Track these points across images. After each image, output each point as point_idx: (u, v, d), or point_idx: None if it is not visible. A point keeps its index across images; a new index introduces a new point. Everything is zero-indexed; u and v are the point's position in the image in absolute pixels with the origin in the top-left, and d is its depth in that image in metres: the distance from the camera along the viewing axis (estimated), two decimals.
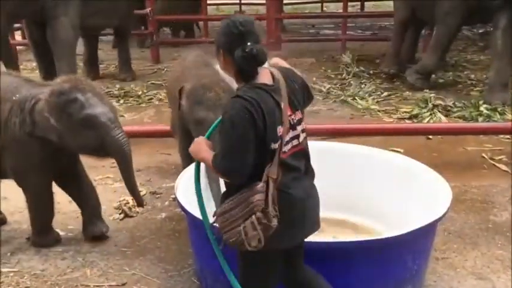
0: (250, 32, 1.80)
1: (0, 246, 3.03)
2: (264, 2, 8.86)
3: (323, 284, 2.05)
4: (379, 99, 6.01)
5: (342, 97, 6.03)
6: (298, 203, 1.84)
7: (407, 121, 5.25)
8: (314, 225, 1.94)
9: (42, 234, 3.05)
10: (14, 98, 2.86)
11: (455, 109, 5.45)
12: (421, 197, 2.64)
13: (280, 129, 1.79)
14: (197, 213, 2.27)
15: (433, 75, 6.83)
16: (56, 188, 3.08)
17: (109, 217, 3.37)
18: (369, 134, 4.36)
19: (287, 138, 1.81)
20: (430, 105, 5.50)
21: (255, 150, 1.76)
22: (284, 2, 11.93)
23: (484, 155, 4.35)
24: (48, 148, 2.81)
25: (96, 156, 2.89)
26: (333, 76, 7.06)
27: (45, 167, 2.90)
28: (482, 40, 9.47)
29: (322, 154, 2.99)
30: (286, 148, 1.82)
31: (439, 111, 5.35)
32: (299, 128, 1.87)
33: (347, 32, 9.14)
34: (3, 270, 2.81)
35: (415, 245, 2.27)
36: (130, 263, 2.87)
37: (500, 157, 4.28)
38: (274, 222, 1.73)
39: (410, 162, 2.86)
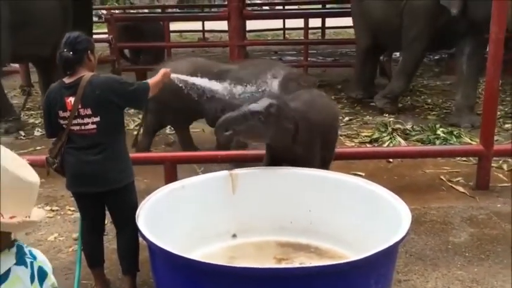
0: None
1: None
2: (227, 29, 8.95)
3: (121, 240, 2.80)
4: (341, 124, 6.12)
5: None
6: (70, 163, 2.66)
7: (368, 145, 5.36)
8: (92, 183, 2.64)
9: None
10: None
11: (413, 133, 5.63)
12: (382, 220, 2.68)
13: (61, 113, 2.59)
14: (160, 243, 2.23)
15: None
16: None
17: (68, 248, 3.28)
18: None
19: (75, 121, 2.58)
20: (389, 129, 5.65)
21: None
22: (247, 29, 12.10)
23: (442, 177, 4.48)
24: None
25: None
26: None
27: None
28: (437, 66, 9.85)
29: (284, 178, 3.03)
30: (74, 128, 2.60)
31: (399, 135, 5.51)
32: (88, 120, 2.58)
33: (308, 59, 9.33)
34: None
35: (376, 268, 2.28)
36: None
37: (457, 179, 4.41)
38: (54, 166, 2.68)
39: (372, 186, 2.91)
